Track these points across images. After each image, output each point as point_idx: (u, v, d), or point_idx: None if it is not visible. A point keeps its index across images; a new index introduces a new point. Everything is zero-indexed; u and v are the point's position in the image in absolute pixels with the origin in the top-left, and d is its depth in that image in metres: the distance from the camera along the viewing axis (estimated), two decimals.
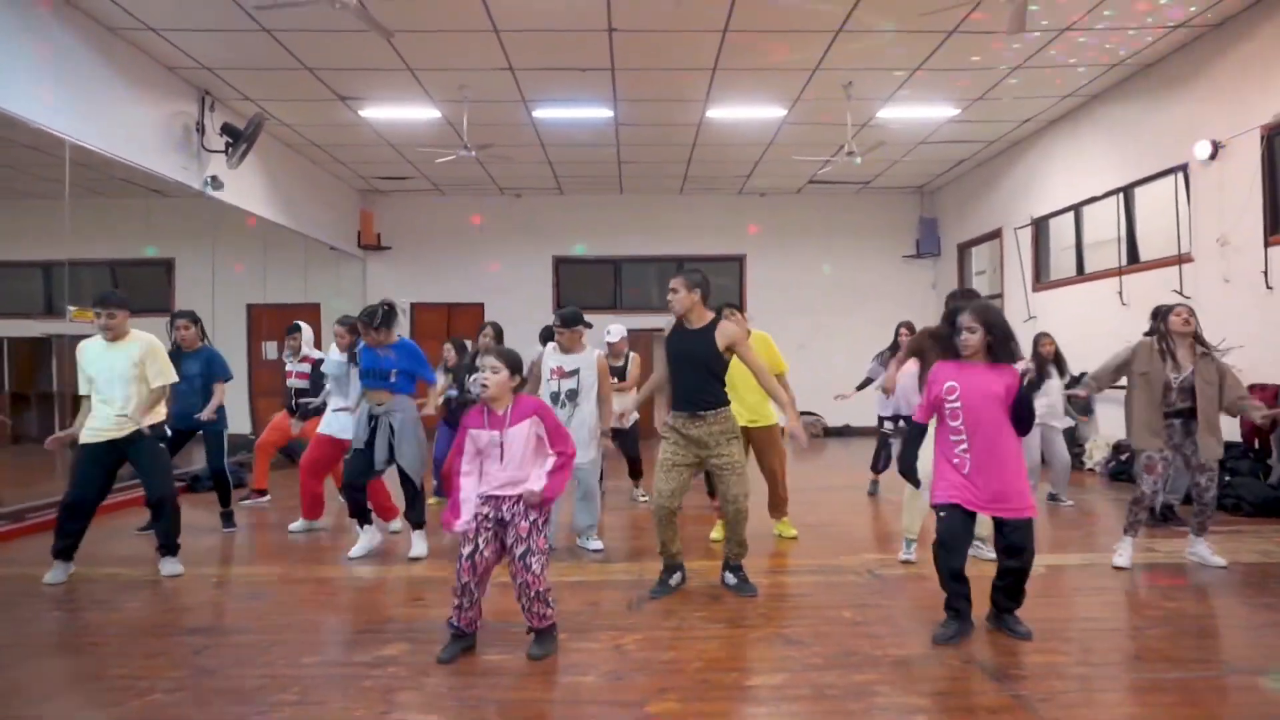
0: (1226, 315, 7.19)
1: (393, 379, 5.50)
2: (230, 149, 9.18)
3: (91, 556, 5.67)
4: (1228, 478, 6.94)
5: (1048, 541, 5.77)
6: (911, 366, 5.85)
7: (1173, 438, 5.18)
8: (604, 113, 10.14)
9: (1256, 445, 7.36)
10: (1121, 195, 9.45)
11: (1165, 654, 3.72)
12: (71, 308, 7.46)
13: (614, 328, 7.41)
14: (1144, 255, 9.23)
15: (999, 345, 3.78)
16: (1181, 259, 8.32)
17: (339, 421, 6.19)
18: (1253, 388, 6.80)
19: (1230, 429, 7.64)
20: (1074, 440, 9.04)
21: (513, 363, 3.71)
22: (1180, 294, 8.16)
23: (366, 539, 5.69)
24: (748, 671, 3.54)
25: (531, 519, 3.65)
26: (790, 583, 4.97)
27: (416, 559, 5.54)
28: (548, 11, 7.36)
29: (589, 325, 5.70)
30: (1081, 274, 10.39)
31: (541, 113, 10.11)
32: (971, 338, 3.78)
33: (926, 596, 4.62)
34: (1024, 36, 7.68)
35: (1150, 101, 8.86)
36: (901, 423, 7.06)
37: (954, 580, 3.90)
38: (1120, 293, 9.28)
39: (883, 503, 7.65)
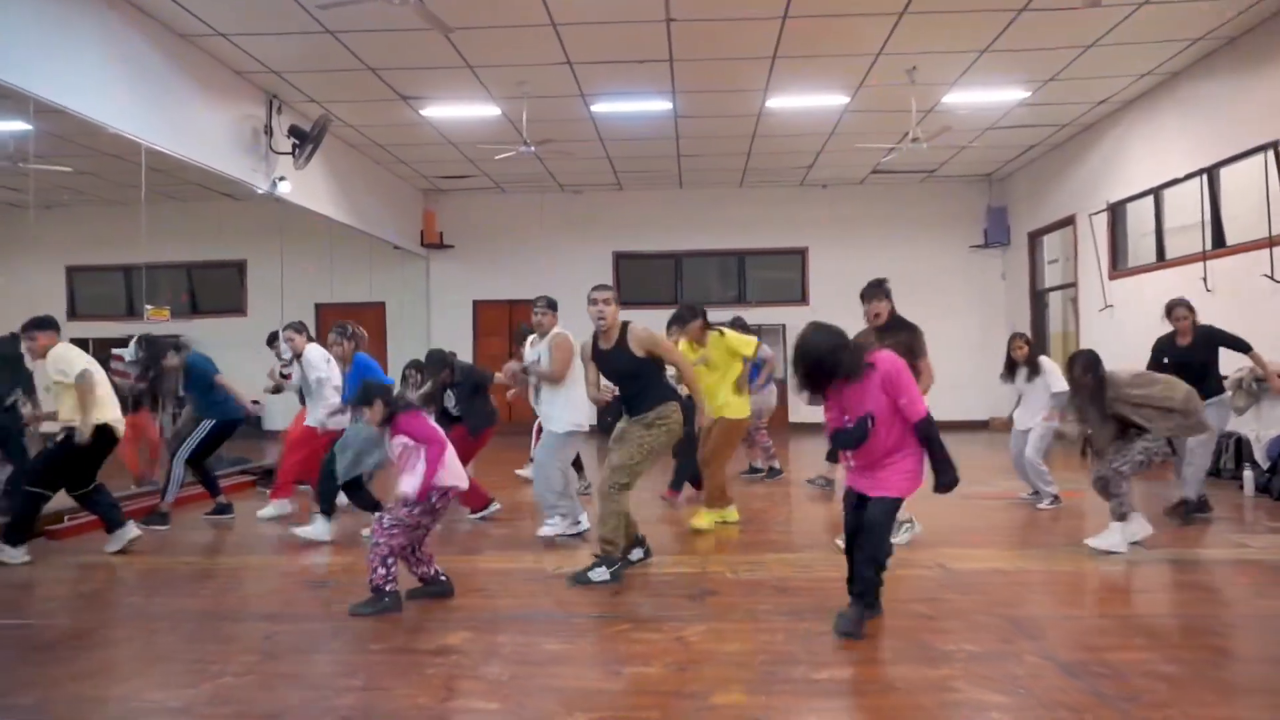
0: None
1: None
2: (297, 150, 9.38)
3: (172, 546, 5.89)
4: None
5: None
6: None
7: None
8: (663, 105, 10.09)
9: None
10: (1205, 176, 9.02)
11: (1256, 652, 3.51)
12: (148, 306, 7.74)
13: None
14: (1230, 239, 8.79)
15: (851, 372, 3.63)
16: (1273, 241, 7.89)
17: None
18: None
19: None
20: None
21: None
22: (1271, 278, 7.77)
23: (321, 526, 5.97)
24: (815, 664, 3.44)
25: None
26: None
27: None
28: (605, 4, 7.34)
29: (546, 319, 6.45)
30: (1162, 260, 9.96)
31: (600, 107, 10.10)
32: (806, 394, 3.71)
33: (999, 591, 4.47)
34: (1098, 12, 7.36)
35: (1236, 77, 8.42)
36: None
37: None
38: (1204, 278, 8.85)
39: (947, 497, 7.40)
